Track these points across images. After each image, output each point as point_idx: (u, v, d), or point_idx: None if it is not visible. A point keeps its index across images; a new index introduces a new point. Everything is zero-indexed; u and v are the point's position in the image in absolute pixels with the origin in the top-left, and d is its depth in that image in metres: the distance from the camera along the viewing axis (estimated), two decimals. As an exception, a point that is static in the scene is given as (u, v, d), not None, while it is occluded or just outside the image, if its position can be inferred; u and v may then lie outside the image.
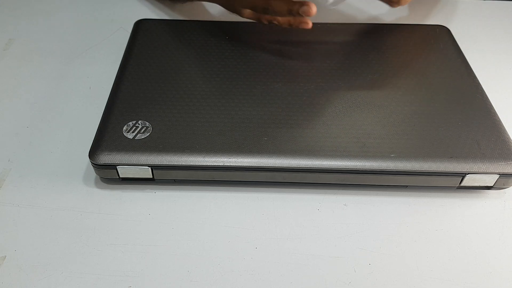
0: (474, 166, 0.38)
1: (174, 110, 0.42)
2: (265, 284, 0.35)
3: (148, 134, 0.40)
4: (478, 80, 0.46)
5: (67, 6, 0.64)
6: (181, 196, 0.41)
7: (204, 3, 0.63)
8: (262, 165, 0.39)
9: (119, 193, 0.41)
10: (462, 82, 0.46)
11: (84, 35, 0.59)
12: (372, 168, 0.38)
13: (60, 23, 0.61)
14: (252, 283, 0.35)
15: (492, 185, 0.40)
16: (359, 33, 0.53)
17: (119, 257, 0.36)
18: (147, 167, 0.39)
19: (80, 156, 0.43)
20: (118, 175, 0.40)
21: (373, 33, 0.53)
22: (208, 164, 0.38)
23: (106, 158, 0.38)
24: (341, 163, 0.38)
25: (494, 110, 0.43)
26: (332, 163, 0.38)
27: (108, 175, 0.40)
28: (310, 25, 0.47)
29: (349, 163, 0.38)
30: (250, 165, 0.39)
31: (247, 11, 0.50)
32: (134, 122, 0.41)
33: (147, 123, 0.41)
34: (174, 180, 0.41)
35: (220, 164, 0.38)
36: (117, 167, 0.39)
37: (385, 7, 0.62)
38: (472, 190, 0.41)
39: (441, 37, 0.52)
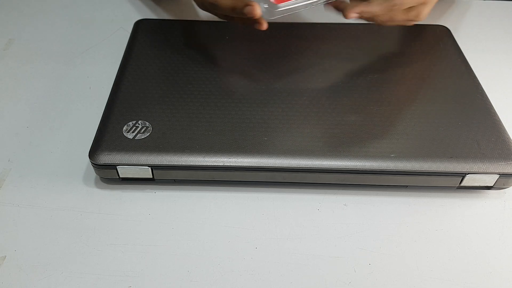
0: (474, 166, 0.38)
1: (174, 110, 0.42)
2: (265, 284, 0.35)
3: (148, 134, 0.40)
4: (478, 80, 0.46)
5: (67, 6, 0.64)
6: (181, 196, 0.41)
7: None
8: (262, 165, 0.39)
9: (119, 193, 0.41)
10: (462, 82, 0.46)
11: (84, 35, 0.59)
12: (372, 168, 0.38)
13: (60, 23, 0.61)
14: (252, 283, 0.35)
15: (492, 185, 0.40)
16: (359, 33, 0.53)
17: (119, 257, 0.36)
18: (147, 167, 0.39)
19: (80, 156, 0.43)
20: (118, 175, 0.40)
21: (373, 33, 0.53)
22: (208, 164, 0.38)
23: (106, 158, 0.38)
24: (341, 163, 0.38)
25: (494, 110, 0.43)
26: (332, 163, 0.38)
27: (108, 175, 0.40)
28: (264, 26, 0.44)
29: (349, 163, 0.38)
30: (250, 165, 0.39)
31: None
32: (134, 122, 0.41)
33: (147, 123, 0.41)
34: (174, 180, 0.41)
35: (220, 164, 0.38)
36: (117, 167, 0.39)
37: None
38: (472, 190, 0.41)
39: (441, 37, 0.52)
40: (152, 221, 0.39)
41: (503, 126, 0.42)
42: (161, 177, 0.40)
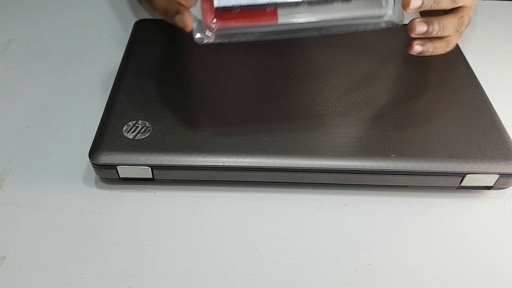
0: (474, 166, 0.38)
1: (174, 110, 0.42)
2: (265, 284, 0.35)
3: (148, 134, 0.40)
4: (478, 80, 0.46)
5: (67, 6, 0.64)
6: (181, 196, 0.41)
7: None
8: (262, 165, 0.39)
9: (119, 193, 0.41)
10: (462, 82, 0.46)
11: (84, 35, 0.59)
12: (372, 168, 0.38)
13: (60, 23, 0.61)
14: (252, 283, 0.35)
15: (492, 185, 0.40)
16: (359, 33, 0.53)
17: (119, 257, 0.36)
18: (147, 167, 0.39)
19: (80, 156, 0.43)
20: (118, 175, 0.40)
21: (373, 33, 0.53)
22: (208, 164, 0.38)
23: (106, 158, 0.38)
24: (341, 163, 0.38)
25: (494, 110, 0.43)
26: (332, 163, 0.38)
27: (108, 175, 0.40)
28: (189, 28, 0.37)
29: (349, 163, 0.38)
30: (250, 165, 0.39)
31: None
32: (134, 122, 0.41)
33: (147, 123, 0.41)
34: (174, 180, 0.41)
35: (220, 164, 0.38)
36: (117, 167, 0.39)
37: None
38: (472, 190, 0.41)
39: (441, 37, 0.52)
40: (152, 221, 0.39)
41: (503, 126, 0.42)
42: (161, 177, 0.40)
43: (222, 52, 0.49)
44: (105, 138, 0.39)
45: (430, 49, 0.41)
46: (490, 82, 0.49)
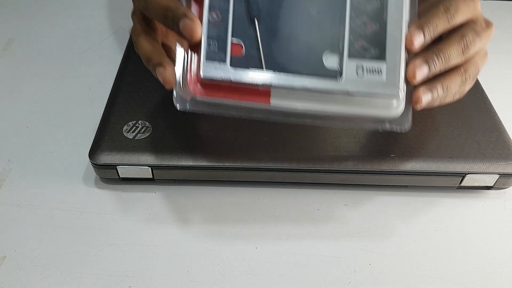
0: (474, 166, 0.38)
1: (174, 110, 0.42)
2: (265, 284, 0.35)
3: (148, 134, 0.40)
4: (478, 80, 0.46)
5: (67, 6, 0.64)
6: (181, 196, 0.41)
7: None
8: (262, 165, 0.39)
9: (119, 193, 0.41)
10: (462, 82, 0.46)
11: (84, 35, 0.59)
12: (372, 168, 0.38)
13: (60, 23, 0.61)
14: (252, 283, 0.35)
15: (492, 185, 0.40)
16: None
17: (119, 257, 0.36)
18: (147, 167, 0.39)
19: (80, 156, 0.43)
20: (118, 175, 0.40)
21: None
22: (208, 164, 0.38)
23: (106, 158, 0.38)
24: (341, 163, 0.38)
25: (494, 110, 0.43)
26: (332, 163, 0.38)
27: (108, 175, 0.40)
28: (169, 86, 0.33)
29: (349, 163, 0.38)
30: (250, 165, 0.39)
31: None
32: (134, 122, 0.41)
33: (147, 123, 0.41)
34: (174, 180, 0.41)
35: (220, 164, 0.38)
36: (117, 167, 0.39)
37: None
38: (472, 190, 0.41)
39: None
40: (152, 221, 0.39)
41: (503, 126, 0.42)
42: (161, 177, 0.40)
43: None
44: (105, 138, 0.39)
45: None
46: (490, 82, 0.49)
